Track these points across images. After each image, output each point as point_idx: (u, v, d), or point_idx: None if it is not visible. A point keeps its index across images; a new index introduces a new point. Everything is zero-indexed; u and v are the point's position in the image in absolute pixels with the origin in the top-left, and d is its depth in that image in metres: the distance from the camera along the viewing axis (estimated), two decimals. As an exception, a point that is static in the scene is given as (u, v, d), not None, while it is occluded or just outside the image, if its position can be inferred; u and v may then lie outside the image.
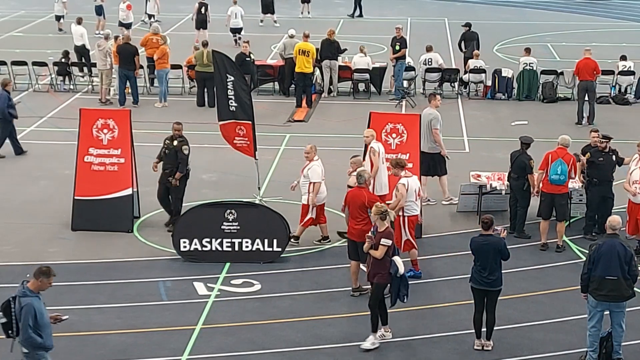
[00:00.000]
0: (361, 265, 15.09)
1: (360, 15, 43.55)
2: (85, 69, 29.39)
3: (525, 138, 17.98)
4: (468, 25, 31.15)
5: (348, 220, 15.50)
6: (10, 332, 11.28)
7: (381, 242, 13.45)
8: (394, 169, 16.14)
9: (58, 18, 38.90)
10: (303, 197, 17.07)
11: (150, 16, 39.50)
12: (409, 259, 15.91)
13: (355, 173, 15.77)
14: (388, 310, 13.79)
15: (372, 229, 13.88)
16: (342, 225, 18.06)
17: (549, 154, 17.16)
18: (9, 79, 23.62)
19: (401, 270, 13.52)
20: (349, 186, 16.28)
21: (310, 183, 16.89)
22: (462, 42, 30.83)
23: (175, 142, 17.71)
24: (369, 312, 13.63)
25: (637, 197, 16.62)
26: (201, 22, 35.96)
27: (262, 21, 40.73)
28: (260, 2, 41.03)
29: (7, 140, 22.46)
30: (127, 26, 35.81)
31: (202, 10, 36.01)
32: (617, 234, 13.00)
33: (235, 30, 36.42)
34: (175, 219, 17.37)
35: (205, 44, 27.34)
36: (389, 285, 13.60)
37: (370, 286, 14.11)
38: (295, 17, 42.93)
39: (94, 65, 28.22)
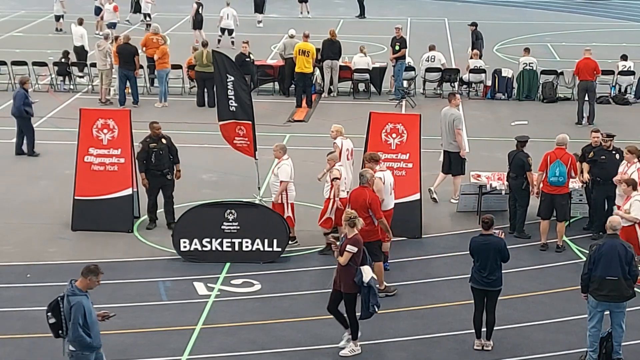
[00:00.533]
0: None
1: (363, 16, 43.49)
2: (85, 70, 29.35)
3: (521, 137, 18.00)
4: (474, 24, 31.08)
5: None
6: (60, 331, 11.32)
7: (346, 249, 13.15)
8: (368, 163, 16.11)
9: (58, 18, 38.93)
10: (273, 196, 17.01)
11: (146, 15, 39.26)
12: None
13: (330, 169, 16.14)
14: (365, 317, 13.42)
15: (342, 236, 13.79)
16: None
17: (548, 154, 17.16)
18: (27, 77, 23.63)
19: (366, 279, 13.11)
20: (335, 178, 16.40)
21: (280, 182, 16.84)
22: (474, 41, 30.76)
23: (163, 141, 17.80)
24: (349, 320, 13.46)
25: None
26: (199, 23, 35.98)
27: (259, 21, 40.63)
28: (253, 2, 40.89)
29: (14, 140, 22.51)
30: (112, 26, 35.63)
31: (200, 10, 36.04)
32: (617, 234, 13.00)
33: (224, 31, 36.41)
34: (174, 220, 17.40)
35: (205, 44, 27.34)
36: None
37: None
38: (295, 17, 42.94)
39: (93, 65, 28.21)
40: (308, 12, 43.22)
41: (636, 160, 16.66)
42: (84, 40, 30.60)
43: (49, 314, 11.26)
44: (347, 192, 16.57)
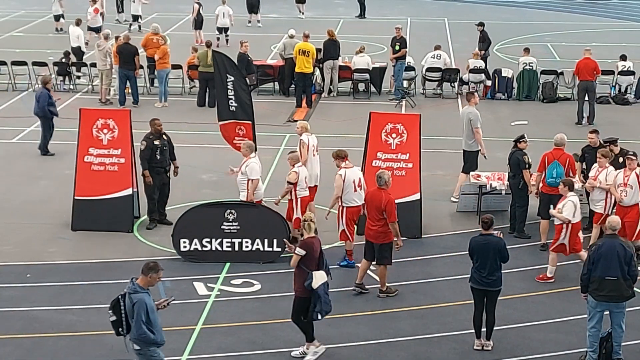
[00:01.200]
0: (371, 266, 15.29)
1: (363, 16, 43.46)
2: (84, 70, 29.31)
3: (516, 137, 18.09)
4: (482, 24, 31.01)
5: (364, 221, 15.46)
6: (120, 329, 11.39)
7: (295, 251, 13.13)
8: (335, 160, 16.39)
9: (57, 18, 38.86)
10: (241, 194, 16.97)
11: (136, 17, 38.83)
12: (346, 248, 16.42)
13: (295, 168, 16.47)
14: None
15: (299, 237, 13.69)
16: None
17: (545, 155, 17.17)
18: (49, 76, 23.58)
19: (315, 285, 12.93)
20: (289, 182, 16.58)
21: (248, 180, 16.81)
22: (482, 42, 30.68)
23: (164, 137, 17.89)
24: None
25: (624, 200, 16.46)
26: (200, 23, 35.97)
27: (249, 22, 40.52)
28: (245, 2, 40.79)
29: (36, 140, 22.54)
30: (96, 30, 35.47)
31: (200, 10, 36.03)
32: (616, 235, 13.00)
33: (222, 30, 36.40)
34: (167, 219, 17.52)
35: (209, 45, 27.33)
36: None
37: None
38: (294, 17, 42.93)
39: (94, 65, 28.19)
40: (302, 13, 43.08)
41: (608, 165, 16.65)
42: (80, 41, 30.54)
43: (110, 311, 11.39)
44: (311, 186, 16.90)
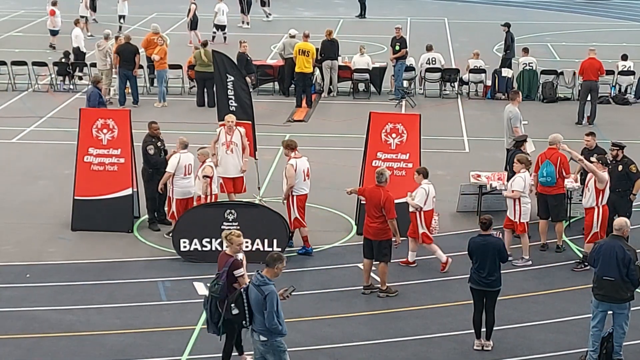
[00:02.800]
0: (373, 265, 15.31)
1: (363, 16, 43.40)
2: (85, 70, 29.30)
3: (518, 137, 18.05)
4: (507, 25, 30.84)
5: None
6: (244, 322, 11.55)
7: (238, 274, 12.46)
8: (285, 149, 16.78)
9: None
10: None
11: (120, 17, 38.55)
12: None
13: (208, 163, 16.69)
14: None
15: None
16: (342, 224, 18.09)
17: (539, 155, 17.19)
18: (100, 76, 23.51)
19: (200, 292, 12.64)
20: (205, 176, 16.69)
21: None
22: (508, 44, 30.38)
23: (161, 138, 17.92)
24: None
25: (583, 202, 16.54)
26: (195, 24, 35.92)
27: (242, 22, 40.38)
28: (238, 2, 40.64)
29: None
30: (54, 33, 35.32)
31: (196, 11, 35.94)
32: (619, 236, 12.93)
33: (219, 27, 36.35)
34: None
35: (204, 44, 27.33)
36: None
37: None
38: (294, 17, 42.92)
39: (94, 65, 28.19)
40: (268, 15, 42.05)
41: (524, 169, 16.60)
42: (79, 42, 30.47)
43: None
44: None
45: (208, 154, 17.10)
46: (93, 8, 40.09)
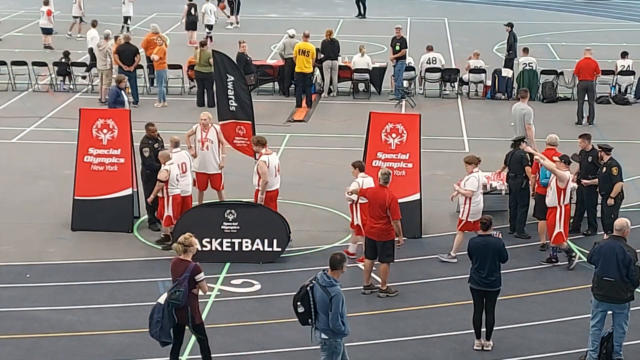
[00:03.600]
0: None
1: (363, 16, 43.33)
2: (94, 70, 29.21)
3: (516, 137, 18.05)
4: (510, 25, 30.82)
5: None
6: (309, 320, 11.65)
7: (199, 279, 12.49)
8: (255, 146, 17.00)
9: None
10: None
11: (126, 18, 38.21)
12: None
13: (164, 167, 16.71)
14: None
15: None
16: (342, 224, 18.09)
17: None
18: (123, 76, 23.40)
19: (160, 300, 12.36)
20: (159, 180, 16.81)
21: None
22: (511, 44, 30.38)
23: (159, 140, 17.94)
24: None
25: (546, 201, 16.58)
26: (191, 24, 35.84)
27: (231, 24, 40.17)
28: (227, 3, 40.35)
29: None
30: (48, 32, 35.22)
31: (192, 11, 35.86)
32: (619, 237, 12.91)
33: (208, 27, 36.29)
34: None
35: (203, 44, 27.32)
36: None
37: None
38: (294, 17, 42.91)
39: (94, 65, 28.19)
40: (233, 23, 40.84)
41: (477, 168, 16.62)
42: (94, 43, 30.38)
43: (298, 303, 11.64)
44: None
45: (168, 156, 17.09)
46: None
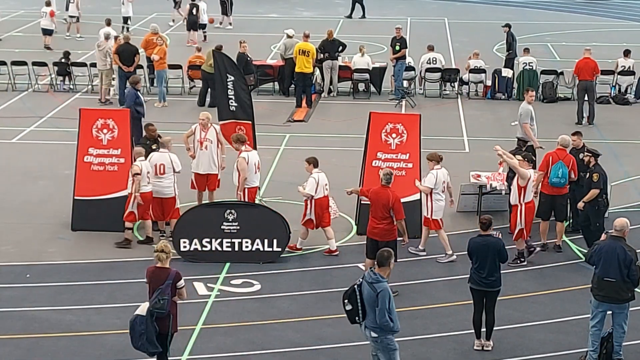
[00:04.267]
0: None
1: (363, 16, 43.27)
2: (83, 70, 29.15)
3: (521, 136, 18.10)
4: (508, 25, 30.79)
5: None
6: (357, 318, 11.70)
7: (182, 286, 12.33)
8: (235, 144, 17.20)
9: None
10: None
11: (125, 19, 38.10)
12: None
13: (136, 162, 16.82)
14: None
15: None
16: (342, 224, 18.09)
17: (549, 155, 17.14)
18: (139, 77, 23.26)
19: (135, 312, 12.19)
20: (135, 174, 16.81)
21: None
22: (510, 43, 30.34)
23: (160, 140, 17.88)
24: None
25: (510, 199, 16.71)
26: (192, 24, 35.78)
27: (220, 23, 40.01)
28: (220, 3, 40.17)
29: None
30: (49, 32, 35.19)
31: (194, 11, 35.79)
32: (619, 237, 12.90)
33: (200, 26, 36.23)
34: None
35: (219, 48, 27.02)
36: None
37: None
38: (294, 17, 42.90)
39: (93, 65, 28.17)
40: (225, 24, 40.61)
41: (438, 166, 16.69)
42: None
43: (346, 300, 11.67)
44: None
45: (141, 152, 17.15)
46: (67, 8, 39.99)
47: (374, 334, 11.67)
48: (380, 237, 14.99)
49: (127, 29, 36.86)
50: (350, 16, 43.10)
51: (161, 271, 12.15)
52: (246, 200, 17.03)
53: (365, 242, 15.62)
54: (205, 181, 18.30)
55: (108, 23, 30.90)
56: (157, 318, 11.97)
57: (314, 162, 16.80)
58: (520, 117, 19.84)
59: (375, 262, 11.84)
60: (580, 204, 16.72)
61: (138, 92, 22.28)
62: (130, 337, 12.06)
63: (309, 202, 16.63)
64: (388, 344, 11.72)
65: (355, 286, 11.71)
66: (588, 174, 16.81)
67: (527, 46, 29.75)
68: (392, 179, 15.24)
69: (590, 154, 16.97)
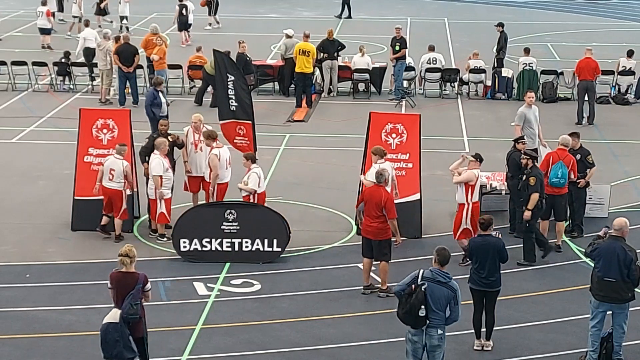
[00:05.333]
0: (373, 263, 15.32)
1: (349, 16, 43.14)
2: (84, 70, 29.15)
3: (516, 137, 18.09)
4: (501, 25, 30.75)
5: (362, 216, 15.49)
6: (427, 321, 11.70)
7: (149, 290, 12.31)
8: (206, 140, 17.37)
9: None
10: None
11: (122, 18, 38.11)
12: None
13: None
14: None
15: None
16: (342, 224, 18.10)
17: (550, 155, 17.14)
18: (162, 79, 23.14)
19: (103, 320, 12.08)
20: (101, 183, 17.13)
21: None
22: (502, 45, 30.27)
23: (170, 138, 17.86)
24: None
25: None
26: (184, 24, 35.71)
27: (210, 24, 39.96)
28: (206, 4, 40.04)
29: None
30: (47, 32, 35.20)
31: (184, 11, 35.71)
32: (619, 236, 12.89)
33: (185, 26, 36.23)
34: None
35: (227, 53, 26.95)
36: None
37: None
38: (293, 17, 42.90)
39: (95, 65, 28.18)
40: (211, 24, 40.52)
41: (381, 160, 16.49)
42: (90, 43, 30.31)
43: (422, 306, 11.59)
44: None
45: (124, 150, 17.27)
46: (60, 8, 39.93)
47: (440, 331, 11.72)
48: (374, 235, 14.99)
49: (127, 28, 36.85)
50: (339, 16, 43.02)
51: (128, 276, 12.05)
52: (214, 197, 17.18)
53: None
54: (199, 183, 18.23)
55: (86, 24, 30.89)
56: (130, 323, 11.89)
57: (252, 158, 16.86)
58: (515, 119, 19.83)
59: (439, 262, 11.80)
60: (527, 214, 16.28)
61: (159, 93, 22.14)
62: (101, 347, 11.89)
63: (251, 196, 16.66)
64: (445, 335, 11.86)
65: (423, 289, 11.61)
66: (525, 176, 16.57)
67: (527, 46, 29.70)
68: (384, 178, 15.16)
69: (528, 157, 16.73)
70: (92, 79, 28.95)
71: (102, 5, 38.24)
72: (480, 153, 16.67)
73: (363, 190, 15.81)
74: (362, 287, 15.38)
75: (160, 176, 17.04)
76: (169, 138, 17.88)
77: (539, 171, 16.59)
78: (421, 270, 11.82)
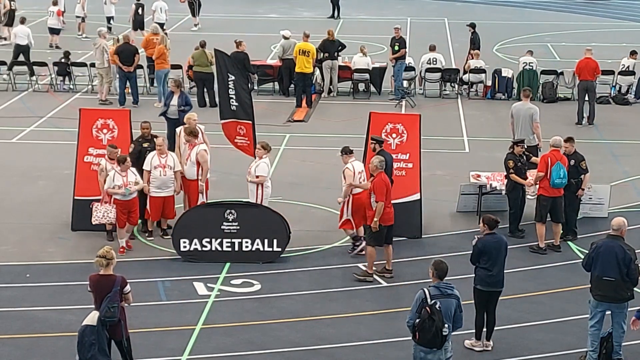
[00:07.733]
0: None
1: (337, 17, 43.02)
2: (83, 70, 29.12)
3: (516, 140, 18.13)
4: (473, 25, 30.83)
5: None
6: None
7: (129, 292, 12.32)
8: (187, 136, 17.60)
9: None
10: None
11: (108, 19, 37.75)
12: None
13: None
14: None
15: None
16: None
17: (547, 156, 17.07)
18: (180, 81, 22.90)
19: (82, 322, 12.07)
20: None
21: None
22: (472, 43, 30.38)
23: (154, 139, 17.72)
24: None
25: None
26: (139, 23, 35.51)
27: (195, 25, 39.74)
28: (188, 5, 39.78)
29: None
30: (57, 32, 35.22)
31: (139, 11, 35.52)
32: (618, 236, 12.89)
33: (159, 26, 36.08)
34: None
35: (203, 45, 27.21)
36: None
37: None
38: (293, 17, 42.90)
39: (93, 65, 28.16)
40: (196, 25, 40.22)
41: (265, 155, 17.13)
42: (29, 39, 30.23)
43: (446, 325, 11.42)
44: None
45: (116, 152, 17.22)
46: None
47: (450, 342, 11.70)
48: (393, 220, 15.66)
49: (110, 28, 36.67)
50: (332, 16, 42.97)
51: (106, 279, 12.01)
52: (206, 193, 17.44)
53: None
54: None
55: (22, 21, 30.94)
56: (109, 326, 11.88)
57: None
58: (532, 117, 19.90)
59: (437, 277, 11.59)
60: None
61: (172, 94, 21.88)
62: (77, 349, 11.89)
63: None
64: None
65: (438, 307, 11.38)
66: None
67: (527, 46, 29.72)
68: (376, 165, 15.60)
69: (375, 141, 16.91)
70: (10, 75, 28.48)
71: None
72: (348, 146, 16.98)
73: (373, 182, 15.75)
74: (360, 278, 15.76)
75: (149, 171, 17.08)
76: (154, 139, 17.79)
77: (388, 154, 16.92)
78: (425, 291, 11.47)
